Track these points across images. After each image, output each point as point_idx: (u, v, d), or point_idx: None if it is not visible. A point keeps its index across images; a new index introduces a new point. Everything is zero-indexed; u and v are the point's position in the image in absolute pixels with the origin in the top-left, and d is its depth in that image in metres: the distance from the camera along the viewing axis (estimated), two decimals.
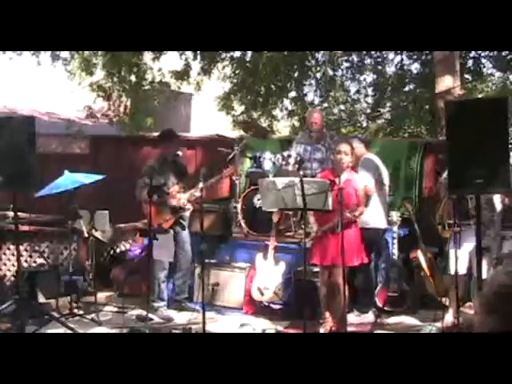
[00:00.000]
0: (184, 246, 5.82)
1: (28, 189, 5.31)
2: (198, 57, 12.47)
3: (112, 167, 8.21)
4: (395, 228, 5.82)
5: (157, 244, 5.19)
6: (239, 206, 6.42)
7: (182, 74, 12.75)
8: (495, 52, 11.48)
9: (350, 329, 5.01)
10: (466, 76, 12.31)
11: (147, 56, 12.52)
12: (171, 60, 13.09)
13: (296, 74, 12.79)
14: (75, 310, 5.67)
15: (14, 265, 6.53)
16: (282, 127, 14.68)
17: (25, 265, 6.33)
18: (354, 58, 12.97)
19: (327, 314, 5.08)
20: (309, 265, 5.02)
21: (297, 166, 6.39)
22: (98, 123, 13.94)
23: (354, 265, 4.93)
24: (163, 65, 13.04)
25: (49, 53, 12.51)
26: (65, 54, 12.80)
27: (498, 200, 5.23)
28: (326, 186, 4.53)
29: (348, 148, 4.93)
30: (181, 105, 13.68)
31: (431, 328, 5.11)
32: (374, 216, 5.47)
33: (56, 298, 5.80)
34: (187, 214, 5.87)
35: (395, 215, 5.83)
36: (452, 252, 5.10)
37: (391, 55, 13.10)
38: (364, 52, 12.19)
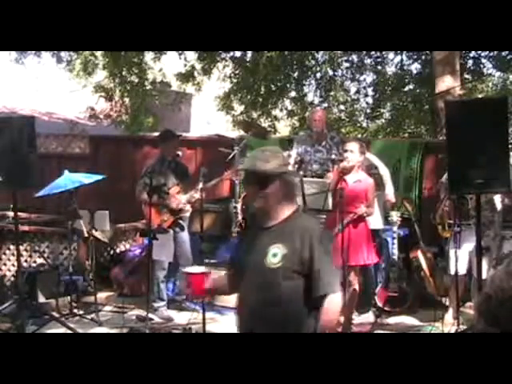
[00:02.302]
0: (184, 246, 5.82)
1: (28, 189, 5.31)
2: (199, 57, 12.49)
3: (112, 167, 8.21)
4: (395, 228, 5.81)
5: (156, 244, 5.19)
6: (239, 206, 6.42)
7: (187, 76, 12.77)
8: (495, 52, 11.48)
9: None
10: (466, 76, 12.31)
11: (148, 56, 12.54)
12: (172, 60, 13.11)
13: (296, 74, 12.80)
14: (75, 310, 5.68)
15: (14, 265, 6.52)
16: (282, 127, 14.68)
17: (25, 265, 6.32)
18: (354, 58, 12.96)
19: None
20: None
21: (297, 166, 6.39)
22: (97, 123, 13.94)
23: (366, 264, 4.96)
24: (164, 65, 13.06)
25: (49, 53, 12.53)
26: (67, 55, 12.83)
27: (498, 200, 5.24)
28: (326, 185, 4.53)
29: (356, 147, 4.92)
30: (181, 105, 13.69)
31: (431, 328, 5.11)
32: (371, 217, 5.47)
33: (56, 298, 5.81)
34: (187, 214, 5.87)
35: (395, 215, 5.83)
36: (452, 252, 5.11)
37: (391, 55, 13.11)
38: (364, 52, 12.19)
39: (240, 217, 6.41)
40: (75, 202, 5.69)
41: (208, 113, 16.22)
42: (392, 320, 5.57)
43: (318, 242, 2.43)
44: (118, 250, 7.23)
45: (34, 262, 6.72)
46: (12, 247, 6.59)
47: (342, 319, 5.12)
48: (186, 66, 12.74)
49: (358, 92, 13.69)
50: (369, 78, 13.55)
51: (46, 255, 6.69)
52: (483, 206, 4.91)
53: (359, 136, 12.76)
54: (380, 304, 5.69)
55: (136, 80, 12.71)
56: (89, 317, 5.49)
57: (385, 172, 5.88)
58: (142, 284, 6.10)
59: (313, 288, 2.40)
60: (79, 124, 13.10)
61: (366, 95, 13.72)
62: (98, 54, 12.52)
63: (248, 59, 12.45)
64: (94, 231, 5.85)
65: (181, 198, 5.67)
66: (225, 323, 5.47)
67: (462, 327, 4.83)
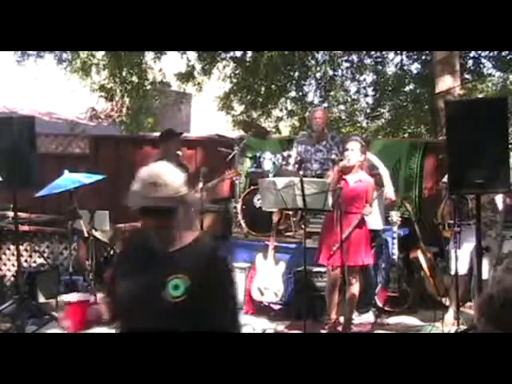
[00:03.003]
0: None
1: (28, 189, 5.32)
2: (200, 57, 12.49)
3: (112, 167, 8.20)
4: (395, 228, 5.81)
5: None
6: (239, 206, 6.42)
7: (187, 76, 12.77)
8: (495, 52, 11.48)
9: None
10: (466, 76, 12.31)
11: (148, 56, 12.54)
12: (172, 60, 13.10)
13: (296, 74, 12.80)
14: None
15: (14, 265, 6.53)
16: (283, 127, 14.68)
17: (25, 265, 6.32)
18: (354, 58, 12.96)
19: (333, 315, 5.05)
20: (309, 264, 5.02)
21: (297, 165, 6.39)
22: (98, 123, 13.94)
23: (364, 264, 4.96)
24: (164, 65, 13.06)
25: (51, 53, 12.53)
26: (68, 55, 12.82)
27: (500, 200, 5.23)
28: (326, 185, 4.53)
29: (357, 146, 4.90)
30: (181, 105, 13.69)
31: (431, 328, 5.11)
32: (371, 217, 5.46)
33: (56, 298, 5.81)
34: None
35: (395, 215, 5.82)
36: (452, 252, 5.11)
37: (391, 55, 13.11)
38: (364, 52, 12.19)
39: (240, 217, 6.41)
40: (75, 202, 5.69)
41: (208, 113, 16.21)
42: (392, 320, 5.57)
43: (226, 275, 2.26)
44: (118, 250, 7.23)
45: (34, 262, 6.72)
46: (12, 247, 6.59)
47: (341, 319, 5.12)
48: (187, 65, 12.74)
49: (358, 92, 13.70)
50: (369, 77, 13.57)
51: (45, 255, 6.70)
52: (485, 206, 4.91)
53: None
54: (380, 304, 5.69)
55: (136, 80, 12.71)
56: None
57: (385, 172, 5.88)
58: None
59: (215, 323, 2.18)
60: (80, 124, 13.10)
61: (366, 95, 13.73)
62: (99, 54, 12.52)
63: (248, 59, 12.44)
64: (94, 231, 5.84)
65: None
66: None
67: (462, 327, 4.83)
